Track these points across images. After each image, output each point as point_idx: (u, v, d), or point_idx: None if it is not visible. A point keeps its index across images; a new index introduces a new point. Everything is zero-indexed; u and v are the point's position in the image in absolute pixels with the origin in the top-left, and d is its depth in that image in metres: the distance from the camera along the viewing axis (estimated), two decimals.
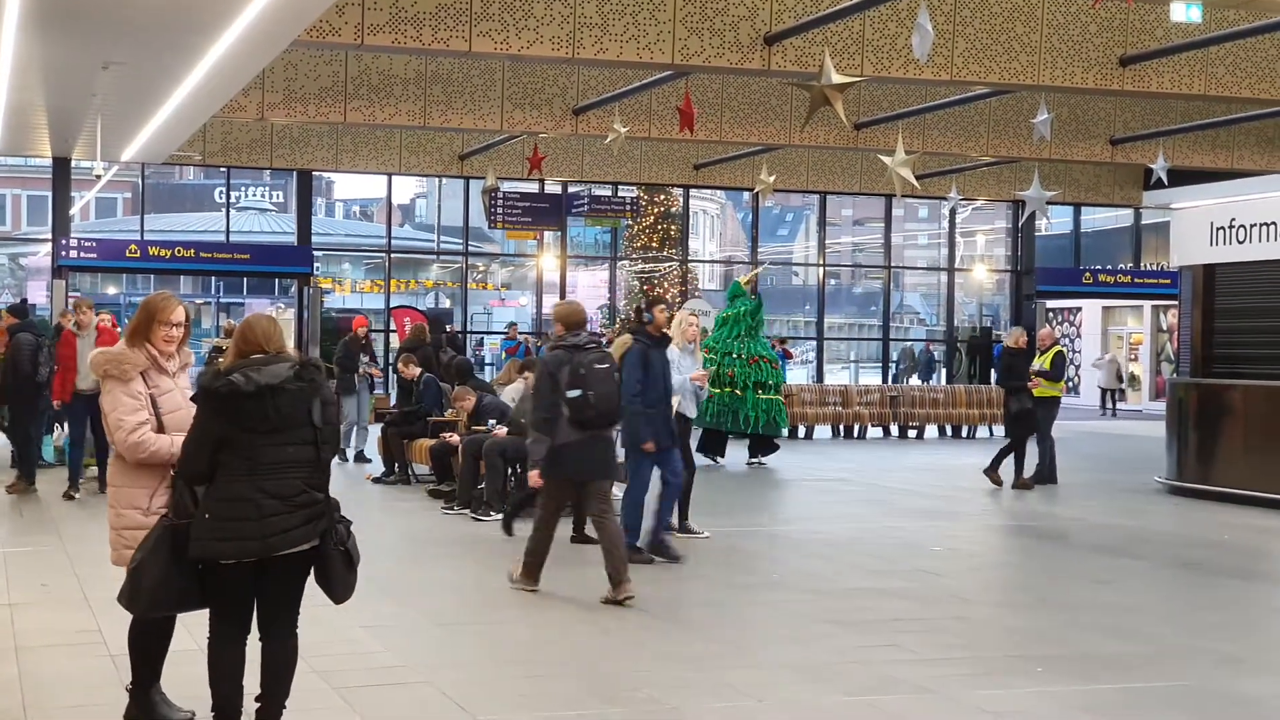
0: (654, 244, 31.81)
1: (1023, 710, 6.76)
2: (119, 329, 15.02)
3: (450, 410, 15.60)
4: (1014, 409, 16.71)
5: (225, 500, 5.37)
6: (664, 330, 11.04)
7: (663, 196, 31.62)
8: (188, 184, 47.82)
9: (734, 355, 19.13)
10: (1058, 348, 17.49)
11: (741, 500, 15.62)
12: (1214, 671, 7.65)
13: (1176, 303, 18.67)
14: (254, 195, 46.91)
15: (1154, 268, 34.32)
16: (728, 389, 19.03)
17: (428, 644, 8.10)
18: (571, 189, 30.07)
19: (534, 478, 9.36)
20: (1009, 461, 16.70)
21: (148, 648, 5.94)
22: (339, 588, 5.65)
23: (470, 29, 15.62)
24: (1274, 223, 15.78)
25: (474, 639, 8.26)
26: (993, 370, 32.95)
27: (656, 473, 10.93)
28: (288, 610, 5.61)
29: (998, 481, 16.55)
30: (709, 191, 39.76)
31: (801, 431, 24.86)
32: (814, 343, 35.09)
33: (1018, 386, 16.54)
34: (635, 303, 11.28)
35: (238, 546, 5.36)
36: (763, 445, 19.81)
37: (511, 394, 14.45)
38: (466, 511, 13.26)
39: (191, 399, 5.63)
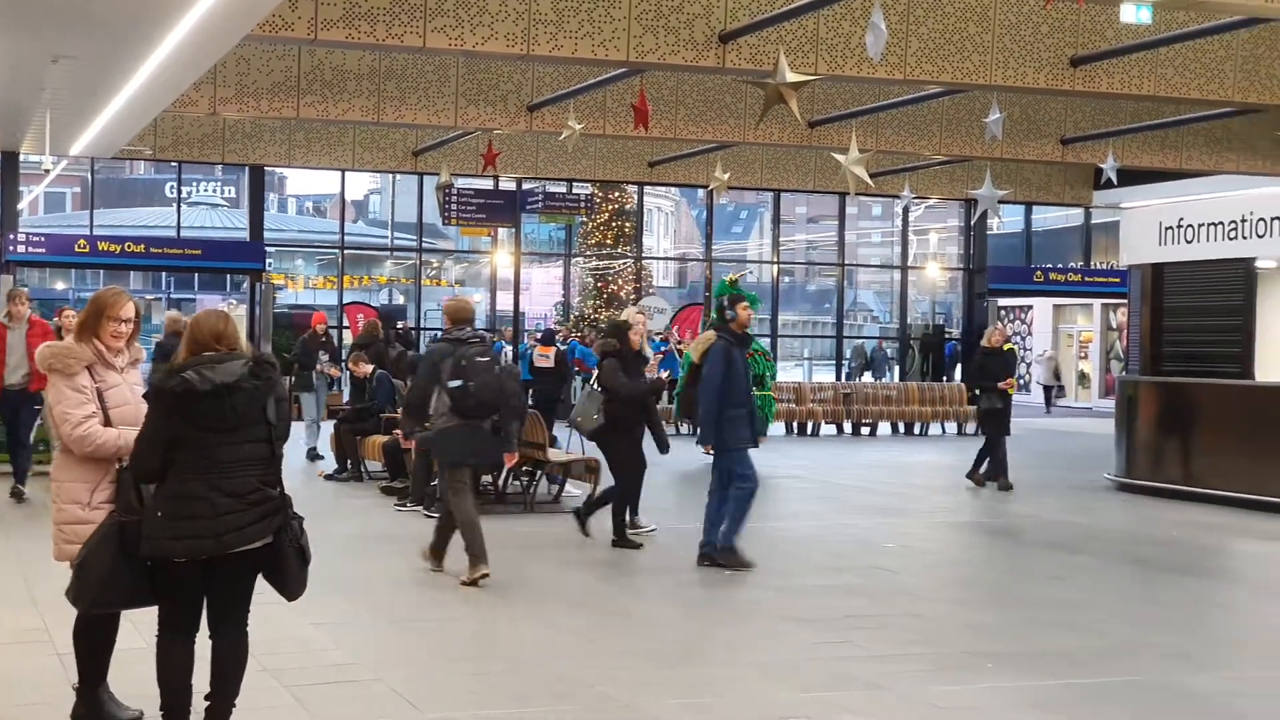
0: (608, 241, 31.79)
1: (975, 706, 6.80)
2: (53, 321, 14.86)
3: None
4: (983, 407, 16.71)
5: (179, 498, 5.33)
6: (747, 328, 10.84)
7: (617, 193, 31.60)
8: (138, 179, 47.43)
9: None
10: (1009, 346, 17.60)
11: (694, 497, 15.62)
12: (1163, 666, 7.72)
13: (1126, 301, 18.83)
14: (206, 190, 46.56)
15: (1104, 266, 34.58)
16: None
17: (379, 641, 8.06)
18: (526, 186, 30.01)
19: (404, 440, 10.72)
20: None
21: (93, 645, 5.89)
22: (293, 585, 5.63)
23: (425, 24, 15.56)
24: (1221, 223, 15.94)
25: (425, 636, 8.23)
26: (959, 367, 33.17)
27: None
28: (239, 608, 5.58)
29: (980, 483, 16.57)
30: (664, 189, 39.76)
31: None
32: (768, 340, 35.16)
33: (988, 386, 16.49)
34: (720, 297, 11.13)
35: (192, 545, 5.33)
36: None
37: None
38: (419, 508, 13.22)
39: (144, 396, 5.59)
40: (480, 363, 9.64)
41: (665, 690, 6.92)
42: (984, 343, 17.18)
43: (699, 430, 10.89)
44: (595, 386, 11.57)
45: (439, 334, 10.61)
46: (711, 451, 10.70)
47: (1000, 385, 16.31)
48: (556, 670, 7.30)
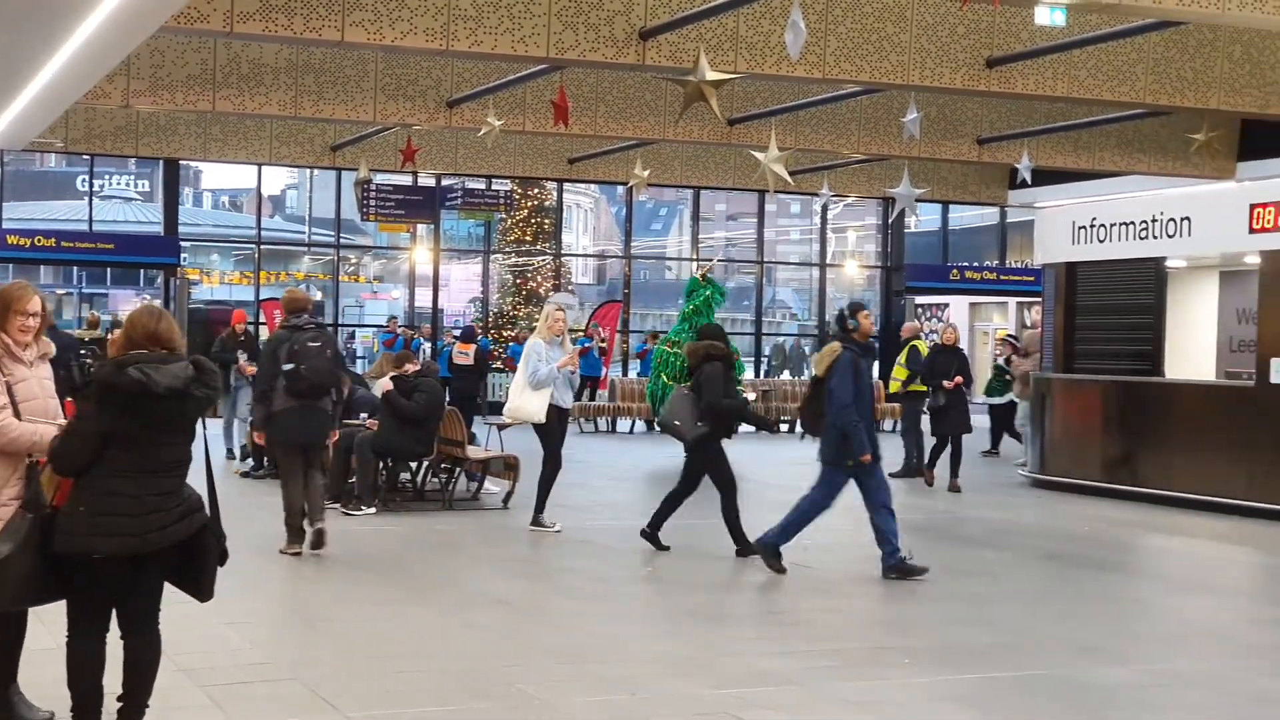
0: (528, 238, 31.72)
1: (889, 701, 6.86)
2: None
3: None
4: (930, 406, 16.55)
5: (105, 495, 5.28)
6: (870, 336, 10.64)
7: (537, 190, 31.54)
8: (49, 171, 46.67)
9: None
10: (916, 341, 17.77)
11: (608, 495, 15.64)
12: (1074, 660, 7.83)
13: (1040, 300, 19.05)
14: (119, 184, 45.93)
15: (1019, 265, 34.98)
16: (688, 381, 19.27)
17: (295, 640, 8.01)
18: (445, 182, 29.87)
19: (258, 437, 11.14)
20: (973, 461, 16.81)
21: (3, 643, 5.80)
22: (208, 585, 5.61)
23: (343, 19, 15.43)
24: (1132, 223, 16.18)
25: (342, 635, 8.18)
26: (876, 364, 33.38)
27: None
28: (153, 607, 5.54)
29: (930, 482, 16.53)
30: (583, 185, 39.73)
31: None
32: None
33: (935, 385, 16.27)
34: (843, 306, 10.75)
35: (118, 542, 5.29)
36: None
37: (383, 387, 14.32)
38: (337, 506, 13.13)
39: (81, 390, 5.52)
40: (312, 348, 10.35)
41: (582, 687, 6.93)
42: (938, 340, 17.08)
43: (823, 445, 10.41)
44: (687, 390, 11.28)
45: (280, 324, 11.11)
46: (869, 460, 10.15)
47: (946, 384, 16.10)
48: (474, 668, 7.28)
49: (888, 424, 23.87)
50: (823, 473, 10.43)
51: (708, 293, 19.28)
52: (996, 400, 21.56)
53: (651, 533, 11.35)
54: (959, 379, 16.19)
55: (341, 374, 11.08)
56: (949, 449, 16.40)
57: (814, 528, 13.18)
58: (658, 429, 11.79)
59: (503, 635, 8.20)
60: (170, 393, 5.28)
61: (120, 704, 5.49)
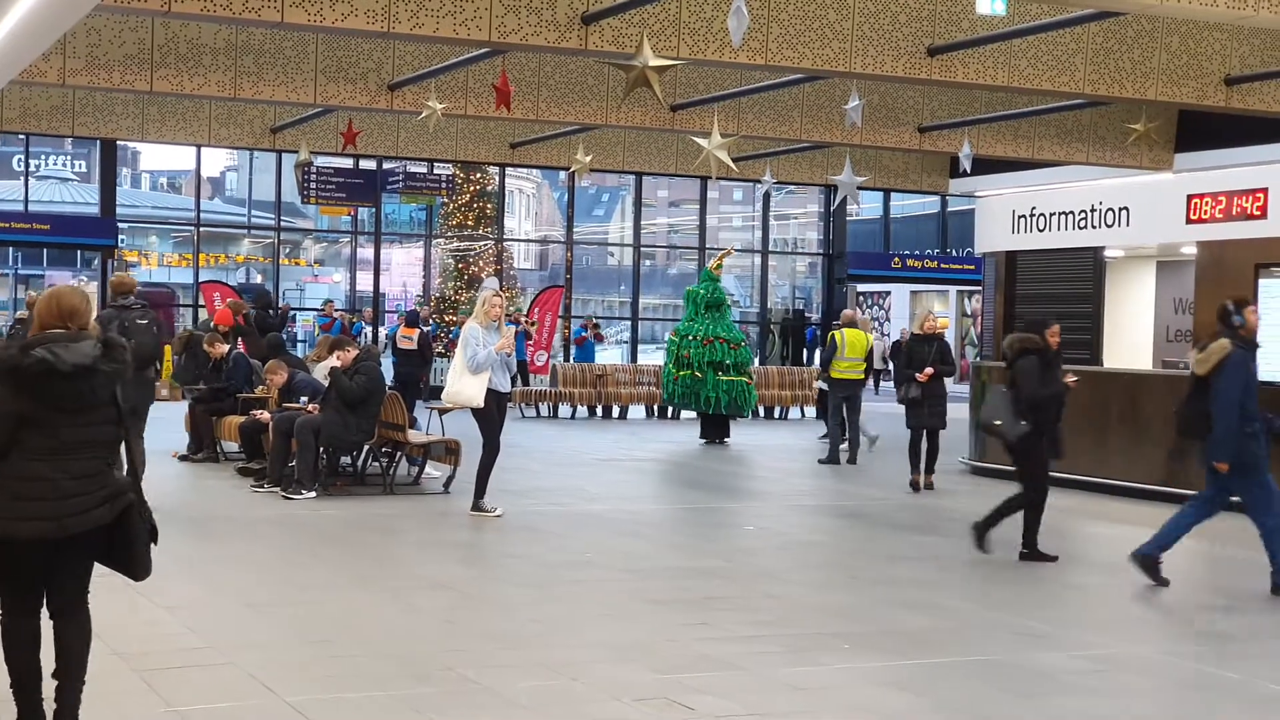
0: (469, 222, 31.58)
1: (831, 686, 6.89)
2: None
3: (260, 387, 15.32)
4: (902, 397, 15.47)
5: (21, 479, 5.22)
6: (1256, 333, 9.87)
7: (478, 175, 31.41)
8: None
9: (690, 337, 19.55)
10: (849, 330, 17.76)
11: (550, 480, 15.62)
12: (1014, 645, 7.89)
13: (980, 288, 19.17)
14: (55, 164, 45.35)
15: (960, 254, 35.21)
16: (686, 371, 19.45)
17: (234, 624, 7.94)
18: (386, 165, 29.70)
19: None
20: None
21: None
22: (141, 566, 5.54)
23: (283, 0, 15.29)
24: (1071, 212, 16.30)
25: (282, 619, 8.12)
26: (819, 351, 33.53)
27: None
28: (79, 590, 5.50)
29: (920, 486, 15.49)
30: (525, 170, 39.61)
31: (616, 411, 25.03)
32: (628, 323, 35.23)
33: (908, 376, 15.31)
34: (1225, 302, 9.87)
35: (34, 526, 5.23)
36: (718, 426, 20.14)
37: (324, 370, 14.25)
38: (277, 490, 13.06)
39: None
40: (140, 325, 11.38)
41: (523, 672, 6.91)
42: (915, 329, 16.08)
43: (1211, 448, 9.63)
44: (1004, 388, 10.83)
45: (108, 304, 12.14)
46: (1226, 469, 9.55)
47: (919, 375, 15.15)
48: (415, 652, 7.25)
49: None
50: (1210, 477, 9.73)
51: (718, 288, 19.69)
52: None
53: (1028, 552, 10.97)
54: (929, 371, 15.14)
55: (163, 347, 12.40)
56: (918, 442, 15.48)
57: (753, 514, 13.26)
58: (980, 430, 10.90)
59: (444, 620, 8.17)
60: (77, 370, 5.21)
61: (56, 686, 5.44)
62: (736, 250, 35.76)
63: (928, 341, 15.42)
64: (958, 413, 16.74)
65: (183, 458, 15.70)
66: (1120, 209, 15.70)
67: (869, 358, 18.12)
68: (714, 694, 6.60)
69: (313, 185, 27.62)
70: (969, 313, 36.83)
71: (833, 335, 17.71)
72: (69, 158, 45.41)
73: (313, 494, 12.88)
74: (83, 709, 5.45)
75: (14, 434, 5.22)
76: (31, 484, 5.21)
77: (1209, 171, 19.28)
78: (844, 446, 17.63)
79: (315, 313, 31.79)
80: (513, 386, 14.04)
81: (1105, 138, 25.24)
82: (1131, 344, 16.86)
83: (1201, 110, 20.37)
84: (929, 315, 16.02)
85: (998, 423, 10.73)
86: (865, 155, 28.85)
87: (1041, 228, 16.59)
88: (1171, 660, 7.76)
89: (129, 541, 5.46)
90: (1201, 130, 24.32)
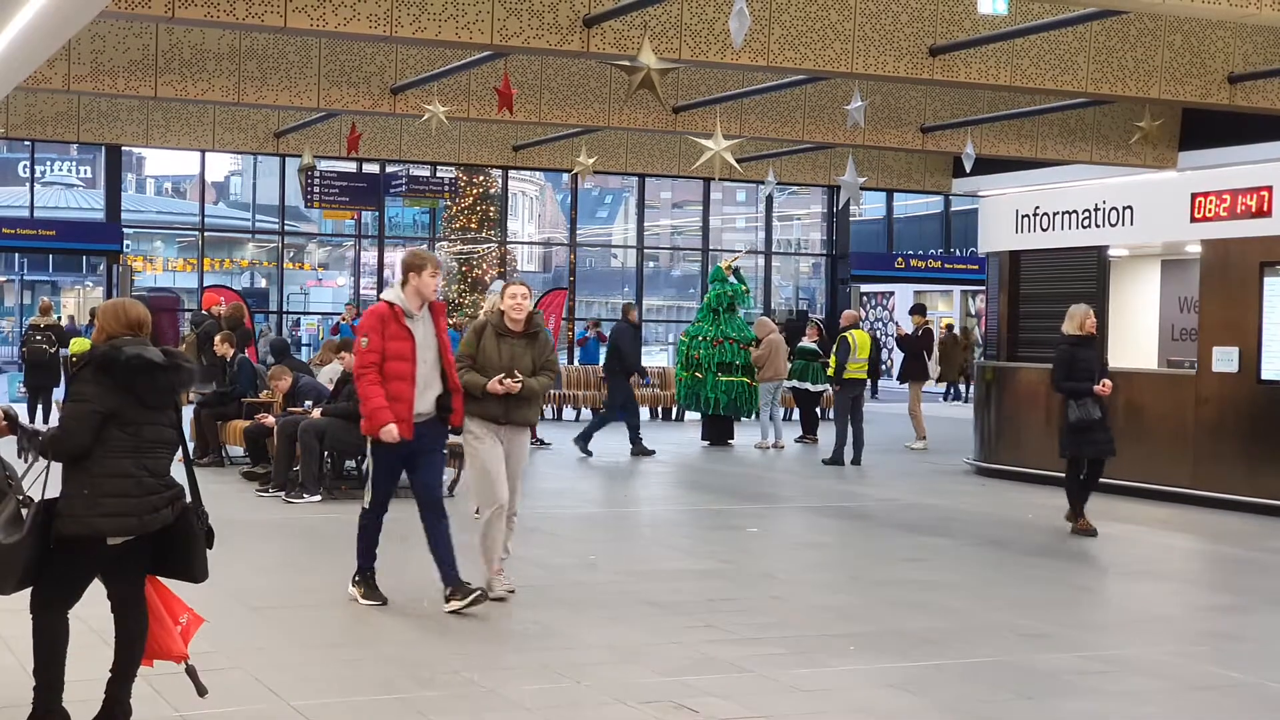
0: (473, 225, 31.60)
1: (835, 687, 6.89)
2: None
3: (265, 391, 15.34)
4: (1079, 418, 13.52)
5: (109, 476, 5.32)
6: None
7: (481, 178, 31.43)
8: None
9: (700, 338, 19.65)
10: (854, 331, 17.77)
11: (552, 482, 15.62)
12: (1018, 647, 7.88)
13: (984, 288, 19.15)
14: (60, 170, 45.41)
15: (963, 253, 35.19)
16: (691, 371, 19.54)
17: (239, 628, 7.94)
18: (389, 169, 29.73)
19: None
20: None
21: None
22: (199, 568, 5.71)
23: (285, 4, 15.31)
24: (1075, 211, 16.28)
25: (287, 623, 8.13)
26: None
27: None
28: (142, 585, 5.61)
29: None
30: (528, 173, 39.61)
31: None
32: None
33: (1084, 390, 13.25)
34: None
35: (120, 523, 5.34)
36: (721, 428, 20.14)
37: (328, 374, 14.26)
38: (281, 494, 13.07)
39: (79, 368, 5.51)
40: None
41: (528, 674, 6.92)
42: (1072, 329, 14.82)
43: None
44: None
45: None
46: None
47: (1097, 388, 13.02)
48: (419, 656, 7.26)
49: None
50: None
51: (730, 287, 19.69)
52: (809, 386, 21.31)
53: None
54: (1108, 383, 13.14)
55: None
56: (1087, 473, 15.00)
57: (755, 515, 13.25)
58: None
59: (448, 623, 8.17)
60: (170, 364, 5.39)
61: (111, 675, 5.58)
62: (744, 252, 35.75)
63: (1088, 344, 12.64)
64: (960, 413, 16.73)
65: None
66: (1124, 208, 15.65)
67: (873, 357, 18.47)
68: (718, 696, 6.60)
69: (316, 189, 27.66)
70: (973, 312, 36.81)
71: (845, 337, 17.77)
72: (74, 163, 45.47)
73: (317, 498, 12.90)
74: (86, 716, 5.49)
75: (99, 432, 5.30)
76: (118, 481, 5.32)
77: (1213, 170, 19.26)
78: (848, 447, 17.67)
79: (321, 317, 31.84)
80: None
81: (1108, 136, 25.25)
82: (1136, 343, 16.81)
83: (1205, 108, 20.38)
84: (1087, 313, 12.66)
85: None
86: (868, 155, 28.88)
87: (1045, 227, 16.55)
88: (1176, 661, 7.75)
89: (188, 543, 5.60)
90: (1205, 128, 24.34)
